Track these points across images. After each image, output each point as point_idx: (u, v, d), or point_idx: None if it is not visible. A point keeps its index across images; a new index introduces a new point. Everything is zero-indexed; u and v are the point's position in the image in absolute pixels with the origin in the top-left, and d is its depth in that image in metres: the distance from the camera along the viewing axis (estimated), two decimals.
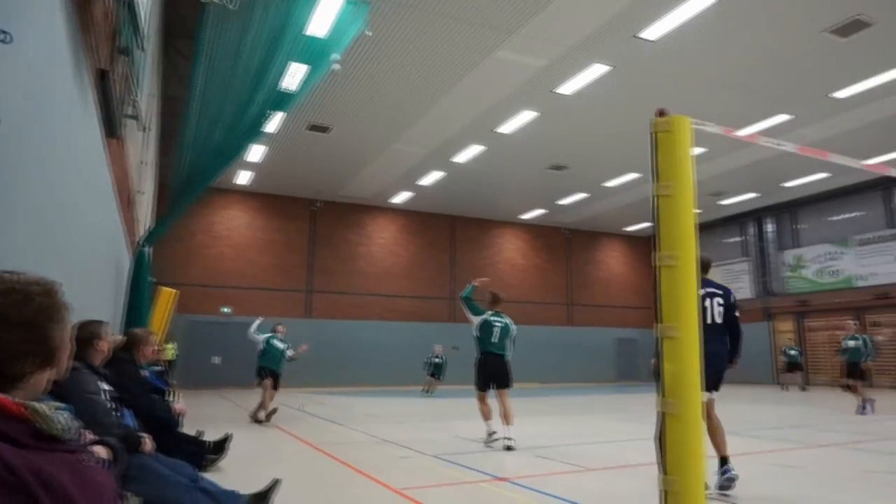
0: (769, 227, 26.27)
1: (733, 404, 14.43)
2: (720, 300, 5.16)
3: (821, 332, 23.99)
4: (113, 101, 4.61)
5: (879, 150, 18.17)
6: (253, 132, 7.87)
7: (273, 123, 15.50)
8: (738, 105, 14.97)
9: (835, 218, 24.11)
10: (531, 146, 17.88)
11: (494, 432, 7.47)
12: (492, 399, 7.90)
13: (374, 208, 24.73)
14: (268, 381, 9.92)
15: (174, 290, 12.74)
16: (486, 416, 7.74)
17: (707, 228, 28.44)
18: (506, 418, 7.35)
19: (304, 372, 19.47)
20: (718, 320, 5.10)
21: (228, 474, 5.46)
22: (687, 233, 2.30)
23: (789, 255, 25.66)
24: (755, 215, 26.63)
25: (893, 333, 21.44)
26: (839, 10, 11.08)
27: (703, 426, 2.40)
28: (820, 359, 23.89)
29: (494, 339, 7.97)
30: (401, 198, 23.59)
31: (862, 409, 11.50)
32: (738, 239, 27.92)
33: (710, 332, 4.85)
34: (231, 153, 7.75)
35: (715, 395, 5.03)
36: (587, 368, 27.34)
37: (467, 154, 18.49)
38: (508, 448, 7.03)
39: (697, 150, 17.97)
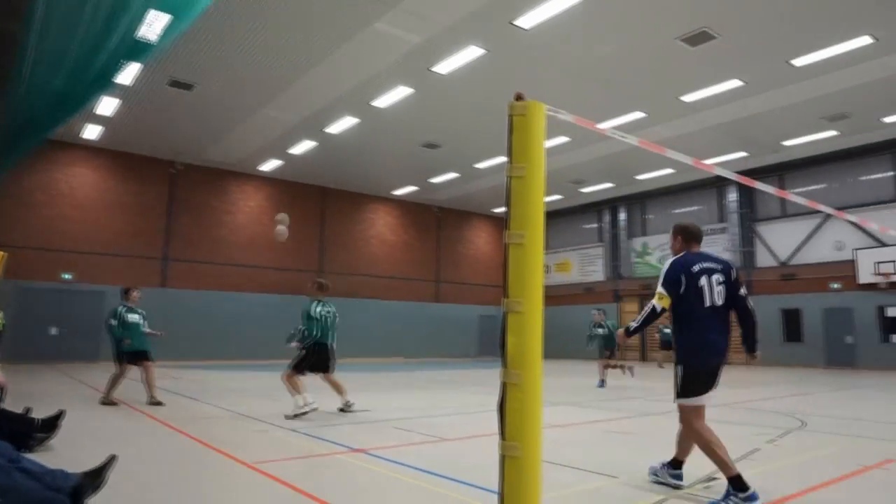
0: (622, 216, 28.46)
1: (579, 378, 15.60)
2: (720, 276, 4.05)
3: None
4: None
5: (717, 151, 20.27)
6: (102, 82, 7.12)
7: (128, 75, 14.23)
8: (600, 99, 15.96)
9: (677, 210, 26.62)
10: (406, 122, 17.90)
11: (312, 402, 7.54)
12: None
13: (241, 175, 23.55)
14: (123, 367, 8.76)
15: (2, 253, 11.35)
16: (300, 388, 7.63)
17: (568, 214, 30.25)
18: (340, 390, 8.06)
19: (158, 345, 18.14)
20: (719, 302, 4.00)
21: (61, 454, 5.04)
22: (536, 213, 2.44)
23: (637, 243, 28.00)
24: (611, 204, 28.72)
25: None
26: (690, 20, 12.13)
27: (541, 397, 2.55)
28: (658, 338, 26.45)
29: (326, 328, 7.92)
30: (270, 166, 22.65)
31: (602, 384, 12.81)
32: (594, 225, 29.98)
33: (710, 319, 3.96)
34: (75, 103, 6.98)
35: (710, 396, 4.01)
36: (452, 344, 28.22)
37: (341, 125, 18.12)
38: (348, 409, 7.96)
39: (561, 140, 18.98)
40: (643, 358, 26.70)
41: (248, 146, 20.40)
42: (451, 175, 23.67)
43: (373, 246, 27.01)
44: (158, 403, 8.45)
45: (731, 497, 3.64)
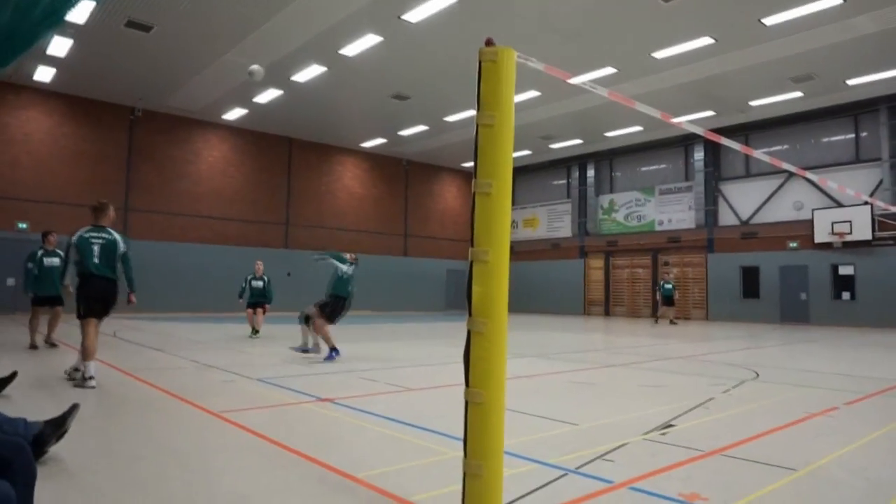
0: (590, 173, 28.59)
1: (543, 331, 15.92)
2: None
3: (625, 270, 27.07)
4: None
5: (685, 110, 20.40)
6: (52, 19, 6.76)
7: (81, 13, 13.53)
8: (571, 52, 15.80)
9: (644, 168, 26.87)
10: (374, 72, 17.49)
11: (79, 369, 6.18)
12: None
13: (205, 123, 22.85)
14: (54, 309, 9.30)
15: None
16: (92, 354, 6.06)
17: (537, 169, 30.28)
18: (87, 354, 6.03)
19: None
20: None
21: (17, 402, 4.96)
22: (505, 162, 2.42)
23: (604, 200, 28.27)
24: (579, 160, 28.80)
25: (680, 272, 24.82)
26: None
27: (505, 345, 2.58)
28: (622, 293, 27.06)
29: (95, 258, 6.19)
30: (234, 114, 22.00)
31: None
32: (563, 181, 30.11)
33: None
34: (22, 41, 6.61)
35: None
36: (420, 297, 28.41)
37: (308, 73, 17.62)
38: (80, 382, 5.99)
39: (532, 94, 18.82)
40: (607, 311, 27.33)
41: (212, 93, 19.73)
42: (421, 128, 23.37)
43: (340, 199, 26.72)
44: (54, 345, 9.16)
45: None
